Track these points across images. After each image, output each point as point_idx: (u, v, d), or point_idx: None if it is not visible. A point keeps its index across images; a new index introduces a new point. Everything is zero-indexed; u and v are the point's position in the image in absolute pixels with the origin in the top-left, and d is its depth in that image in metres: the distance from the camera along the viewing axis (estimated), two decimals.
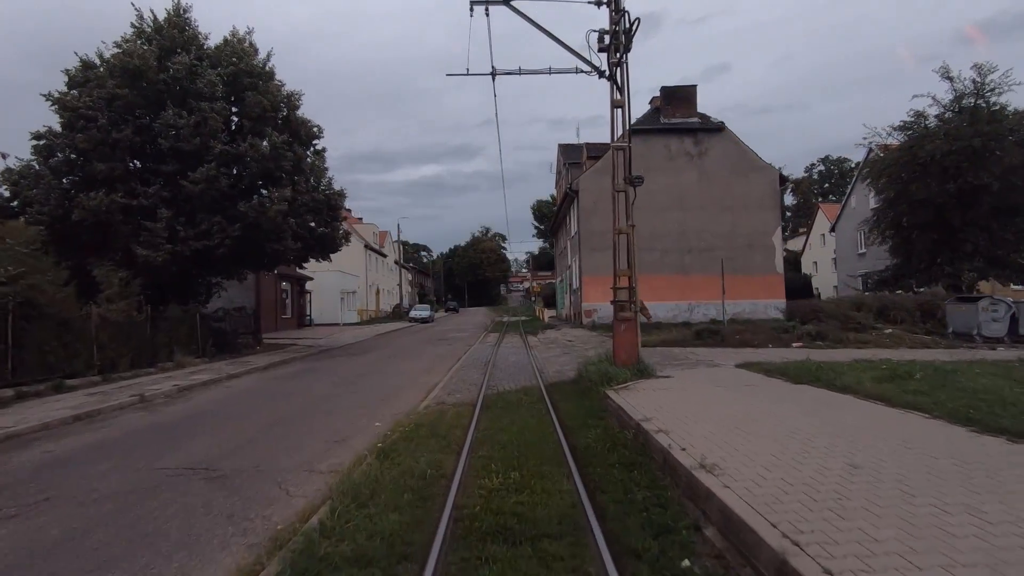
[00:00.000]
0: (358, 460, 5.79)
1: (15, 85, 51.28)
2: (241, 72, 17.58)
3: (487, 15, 10.68)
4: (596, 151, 29.11)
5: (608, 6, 10.28)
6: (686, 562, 3.37)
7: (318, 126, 19.88)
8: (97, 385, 11.91)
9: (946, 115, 22.92)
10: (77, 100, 15.73)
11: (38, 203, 15.49)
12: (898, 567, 2.73)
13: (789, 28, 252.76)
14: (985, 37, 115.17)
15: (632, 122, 10.48)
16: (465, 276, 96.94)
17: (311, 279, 38.07)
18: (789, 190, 67.78)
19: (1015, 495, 3.62)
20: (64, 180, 16.29)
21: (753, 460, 4.61)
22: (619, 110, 10.34)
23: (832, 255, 42.83)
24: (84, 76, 16.34)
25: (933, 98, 23.06)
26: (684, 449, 5.00)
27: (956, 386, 7.20)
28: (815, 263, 48.79)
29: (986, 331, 15.93)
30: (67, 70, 16.50)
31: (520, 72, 11.21)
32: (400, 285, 62.20)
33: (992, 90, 22.18)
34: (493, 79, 11.46)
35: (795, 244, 53.31)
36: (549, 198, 79.60)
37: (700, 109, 27.11)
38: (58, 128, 16.07)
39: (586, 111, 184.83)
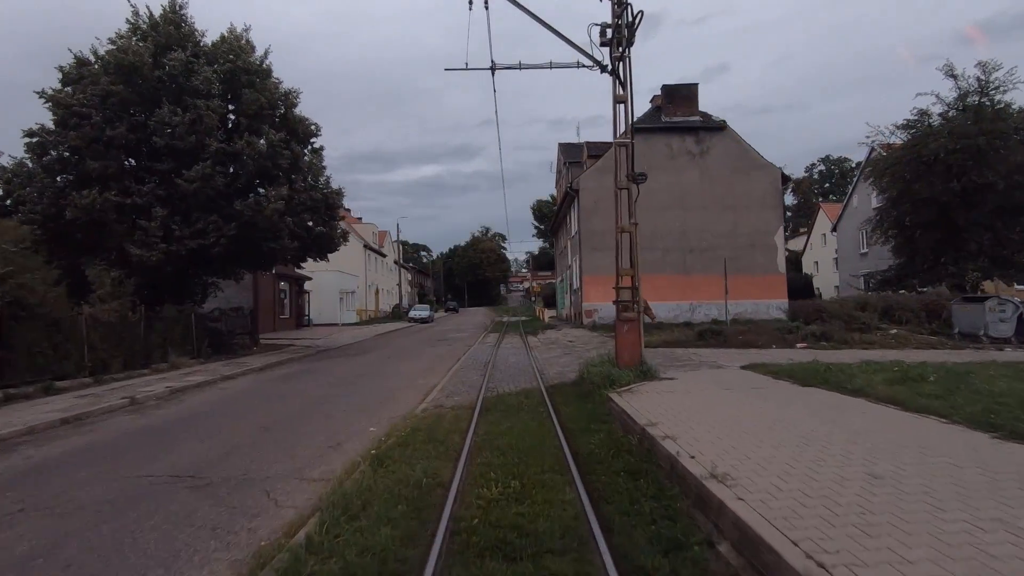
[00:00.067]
0: (351, 467, 5.54)
1: (15, 85, 50.92)
2: (238, 69, 17.34)
3: (486, 8, 10.44)
4: (597, 150, 28.86)
5: None
6: None
7: (316, 124, 19.68)
8: (88, 387, 11.67)
9: (950, 113, 22.70)
10: (71, 97, 15.49)
11: (31, 202, 15.25)
12: None
13: (788, 28, 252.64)
14: (985, 37, 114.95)
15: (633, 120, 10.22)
16: (465, 276, 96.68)
17: (310, 279, 37.82)
18: (789, 190, 67.51)
19: None
20: (57, 179, 16.04)
21: (766, 469, 4.37)
22: (621, 105, 10.09)
23: (833, 255, 42.60)
24: (78, 73, 16.10)
25: (937, 96, 22.87)
26: (693, 457, 4.76)
27: (972, 389, 6.96)
28: (816, 263, 48.58)
29: (993, 331, 15.68)
30: (61, 67, 16.25)
31: (520, 67, 10.95)
32: (400, 285, 61.94)
33: (997, 88, 21.99)
34: (492, 74, 11.21)
35: (795, 244, 53.04)
36: (549, 198, 79.37)
37: (700, 110, 26.87)
38: (51, 126, 15.83)
39: (586, 111, 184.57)
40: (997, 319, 15.76)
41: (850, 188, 41.52)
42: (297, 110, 19.08)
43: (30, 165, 15.97)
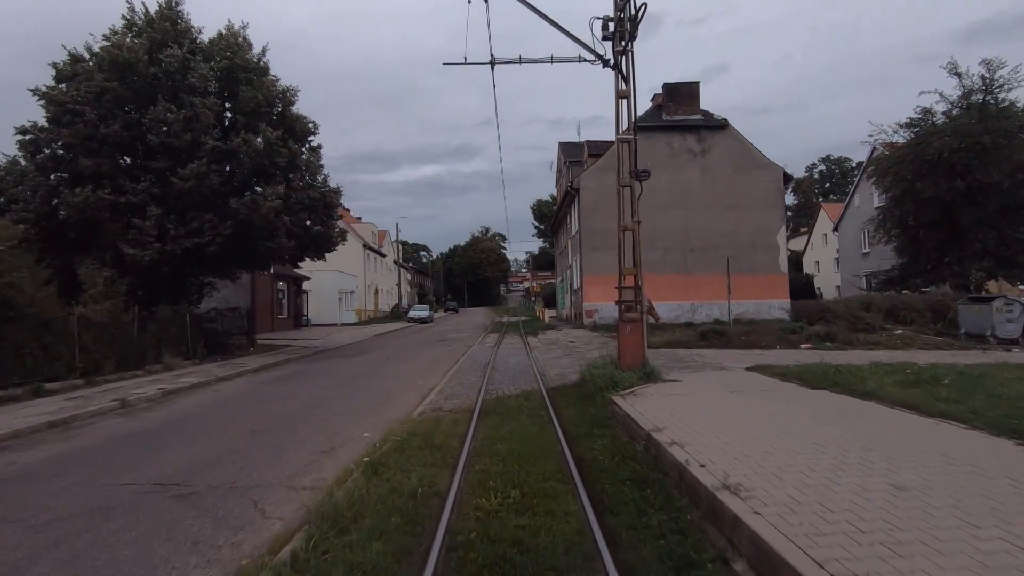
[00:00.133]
0: (344, 475, 5.30)
1: (15, 85, 50.63)
2: (235, 66, 17.10)
3: (486, 0, 10.19)
4: (597, 149, 28.62)
5: None
6: None
7: (313, 122, 19.45)
8: (79, 389, 11.41)
9: (954, 112, 22.47)
10: (64, 94, 15.24)
11: (23, 200, 14.99)
12: None
13: (789, 28, 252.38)
14: (985, 38, 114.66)
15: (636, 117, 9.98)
16: (465, 276, 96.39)
17: (308, 279, 37.57)
18: (790, 190, 67.27)
19: None
20: (51, 177, 15.78)
21: (782, 479, 4.13)
22: (624, 101, 9.85)
23: (835, 255, 42.37)
24: (73, 70, 15.83)
25: (940, 94, 22.63)
26: (703, 465, 4.52)
27: (989, 392, 6.72)
28: (817, 263, 48.36)
29: (1000, 332, 15.44)
30: (55, 63, 15.99)
31: (520, 61, 10.71)
32: (399, 285, 61.66)
33: (1001, 86, 21.77)
34: (492, 68, 10.97)
35: (796, 244, 52.81)
36: (549, 198, 79.11)
37: (701, 108, 26.60)
38: (45, 123, 15.58)
39: (586, 110, 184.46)
40: (1004, 319, 15.52)
41: (852, 187, 41.28)
42: (295, 108, 18.86)
43: (23, 163, 15.71)
